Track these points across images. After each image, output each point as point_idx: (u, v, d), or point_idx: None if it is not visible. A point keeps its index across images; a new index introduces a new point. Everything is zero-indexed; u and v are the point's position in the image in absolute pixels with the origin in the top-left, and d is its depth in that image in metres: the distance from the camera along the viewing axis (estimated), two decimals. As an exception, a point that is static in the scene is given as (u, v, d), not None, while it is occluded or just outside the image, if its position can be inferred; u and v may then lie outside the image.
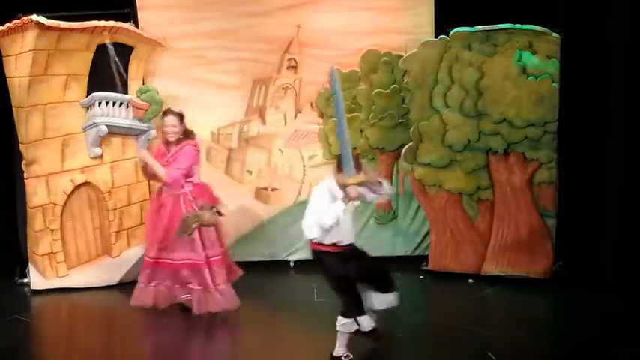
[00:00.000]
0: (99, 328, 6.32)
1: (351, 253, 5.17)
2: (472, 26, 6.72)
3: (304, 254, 7.42)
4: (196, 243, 5.97)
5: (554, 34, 6.54)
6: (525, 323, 5.98)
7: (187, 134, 6.13)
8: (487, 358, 5.21)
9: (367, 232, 7.28)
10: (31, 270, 6.96)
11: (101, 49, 6.84)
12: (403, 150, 7.10)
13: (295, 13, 7.14)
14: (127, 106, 7.00)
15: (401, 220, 7.42)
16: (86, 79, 6.86)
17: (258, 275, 7.17)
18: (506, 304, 6.58)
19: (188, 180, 6.04)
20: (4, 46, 6.63)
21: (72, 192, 6.90)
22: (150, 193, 7.07)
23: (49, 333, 6.34)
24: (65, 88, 6.77)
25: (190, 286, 6.02)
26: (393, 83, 7.18)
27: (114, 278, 7.02)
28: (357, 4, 7.16)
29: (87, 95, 6.87)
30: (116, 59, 6.86)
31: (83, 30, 6.66)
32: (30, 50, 6.44)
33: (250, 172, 7.41)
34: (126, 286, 6.79)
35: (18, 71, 6.55)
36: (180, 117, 6.08)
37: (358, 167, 5.04)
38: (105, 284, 6.97)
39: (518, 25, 6.60)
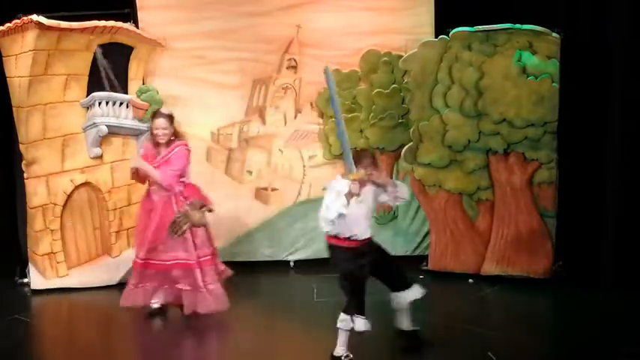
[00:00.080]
0: (99, 328, 6.32)
1: (367, 249, 5.17)
2: (472, 26, 6.72)
3: (304, 254, 7.43)
4: (188, 243, 5.94)
5: (554, 34, 6.54)
6: (525, 323, 5.97)
7: (177, 135, 6.11)
8: (487, 358, 5.20)
9: (367, 232, 7.29)
10: (31, 270, 6.96)
11: (101, 49, 6.84)
12: (403, 150, 7.11)
13: (295, 13, 7.14)
14: (127, 106, 7.00)
15: (401, 220, 7.42)
16: (86, 79, 6.86)
17: (258, 275, 7.18)
18: (506, 304, 6.58)
19: (180, 180, 6.03)
20: (4, 46, 6.63)
21: (72, 192, 6.90)
22: (150, 193, 7.07)
23: (49, 333, 6.34)
24: (65, 88, 6.77)
25: (179, 286, 5.98)
26: (393, 83, 7.18)
27: (114, 278, 7.01)
28: (357, 4, 7.16)
29: (87, 95, 6.88)
30: (105, 64, 6.84)
31: (83, 30, 6.66)
32: (30, 50, 6.44)
33: (250, 172, 7.41)
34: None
35: (18, 71, 6.56)
36: (171, 118, 6.04)
37: (374, 164, 5.09)
38: (105, 284, 6.97)
39: (518, 25, 6.60)
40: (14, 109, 6.69)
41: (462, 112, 6.84)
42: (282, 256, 7.48)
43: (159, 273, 6.02)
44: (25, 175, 6.79)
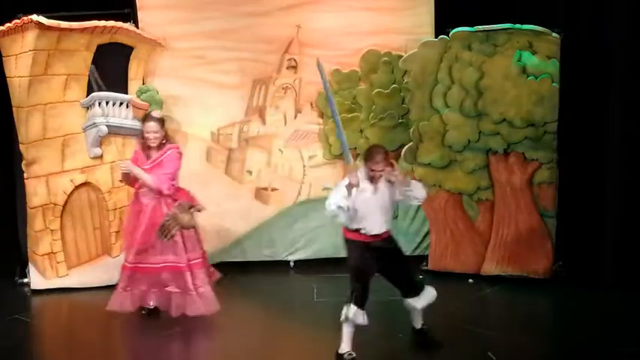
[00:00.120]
0: (99, 328, 6.30)
1: (379, 245, 5.17)
2: (472, 26, 6.72)
3: (304, 254, 7.44)
4: (179, 246, 5.91)
5: (554, 34, 6.54)
6: (525, 323, 5.97)
7: (168, 138, 6.07)
8: (487, 358, 5.21)
9: (367, 232, 7.29)
10: (31, 270, 6.96)
11: (101, 49, 6.84)
12: (403, 150, 7.10)
13: (295, 13, 7.13)
14: (127, 106, 7.01)
15: (401, 220, 7.40)
16: (86, 79, 6.86)
17: (258, 275, 7.18)
18: (506, 304, 6.58)
19: (172, 183, 5.99)
20: (4, 46, 6.63)
21: (72, 192, 6.90)
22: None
23: (49, 333, 6.35)
24: (65, 88, 6.77)
25: (168, 289, 5.96)
26: (393, 83, 7.18)
27: (114, 278, 6.95)
28: (357, 4, 7.16)
29: (87, 95, 6.88)
30: (91, 67, 6.84)
31: (83, 30, 6.66)
32: (30, 50, 6.44)
33: (250, 172, 7.40)
34: (126, 286, 6.79)
35: (18, 71, 6.56)
36: (162, 122, 6.01)
37: (386, 160, 5.11)
38: (105, 284, 6.94)
39: (518, 25, 6.60)
40: (14, 109, 6.69)
41: (462, 112, 6.84)
42: (282, 256, 7.48)
43: (148, 276, 5.99)
44: (25, 175, 6.79)
